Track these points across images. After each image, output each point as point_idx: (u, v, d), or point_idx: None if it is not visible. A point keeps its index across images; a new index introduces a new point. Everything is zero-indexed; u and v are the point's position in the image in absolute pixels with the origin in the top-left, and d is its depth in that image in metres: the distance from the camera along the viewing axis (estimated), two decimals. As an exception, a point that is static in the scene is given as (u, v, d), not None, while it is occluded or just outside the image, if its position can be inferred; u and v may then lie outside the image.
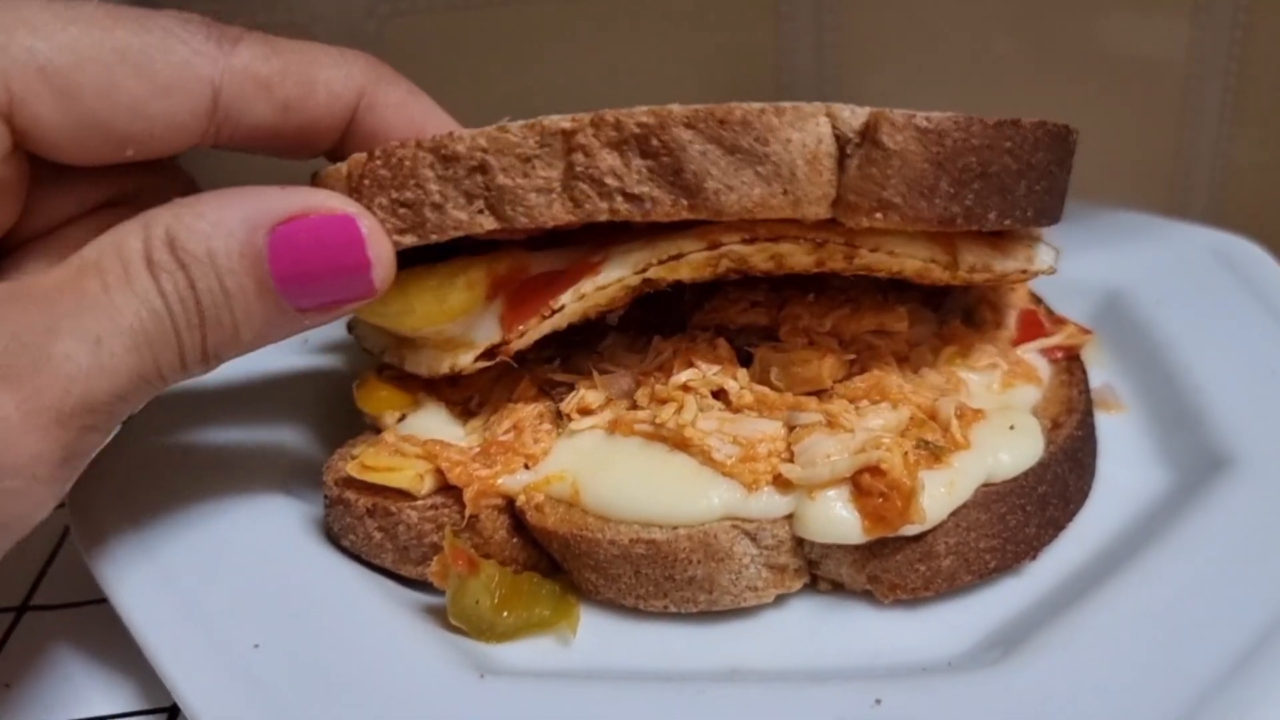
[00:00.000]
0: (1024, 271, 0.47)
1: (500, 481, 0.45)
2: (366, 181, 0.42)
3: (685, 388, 0.46)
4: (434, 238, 0.42)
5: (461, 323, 0.46)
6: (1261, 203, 0.83)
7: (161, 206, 0.38)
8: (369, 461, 0.46)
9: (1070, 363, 0.53)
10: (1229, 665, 0.37)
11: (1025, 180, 0.43)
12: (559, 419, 0.47)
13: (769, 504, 0.43)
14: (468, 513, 0.45)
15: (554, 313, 0.45)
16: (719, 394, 0.46)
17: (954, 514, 0.43)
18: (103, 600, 0.44)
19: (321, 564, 0.46)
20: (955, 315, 0.53)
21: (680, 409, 0.45)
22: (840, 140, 0.40)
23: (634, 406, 0.47)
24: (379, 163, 0.42)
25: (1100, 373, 0.56)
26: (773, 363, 0.47)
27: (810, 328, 0.48)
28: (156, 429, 0.53)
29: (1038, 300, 0.56)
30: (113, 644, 0.44)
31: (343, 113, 0.43)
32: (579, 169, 0.41)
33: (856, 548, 0.43)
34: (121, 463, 0.51)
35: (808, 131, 0.40)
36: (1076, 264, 0.53)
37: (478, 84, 0.80)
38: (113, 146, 0.39)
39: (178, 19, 0.39)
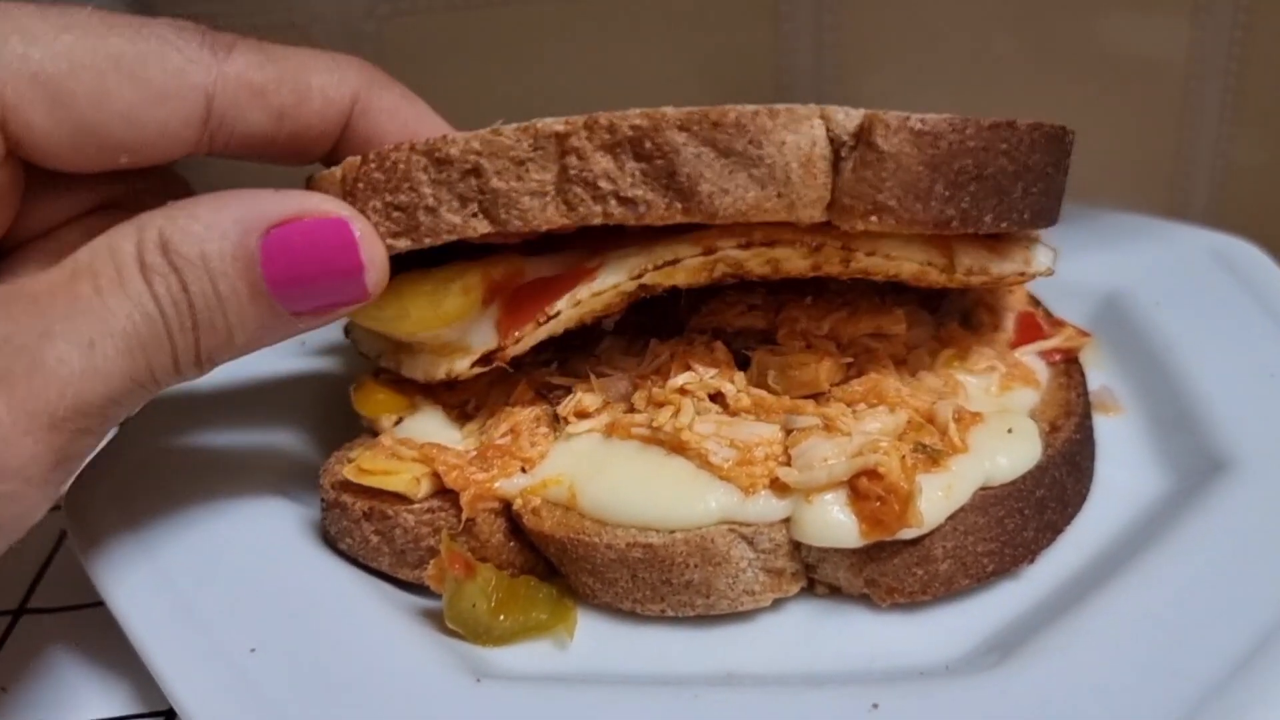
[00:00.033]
0: (1021, 274, 0.46)
1: (497, 485, 0.45)
2: (360, 185, 0.42)
3: (682, 391, 0.46)
4: (428, 241, 0.42)
5: (457, 328, 0.46)
6: (1261, 203, 0.82)
7: (155, 209, 0.38)
8: (366, 465, 0.46)
9: (1068, 365, 0.53)
10: (1228, 668, 0.37)
11: (1022, 182, 0.42)
12: (556, 422, 0.47)
13: (766, 508, 0.43)
14: (464, 516, 0.45)
15: (550, 319, 0.45)
16: (716, 397, 0.46)
17: (951, 518, 0.43)
18: (100, 603, 0.44)
19: (318, 567, 0.46)
20: (953, 318, 0.53)
21: (677, 412, 0.45)
22: (835, 143, 0.40)
23: (631, 410, 0.47)
24: (373, 166, 0.42)
25: (1099, 374, 0.56)
26: (770, 366, 0.47)
27: (808, 331, 0.48)
28: (154, 431, 0.53)
29: (1036, 302, 0.56)
30: (110, 647, 0.45)
31: (337, 118, 0.43)
32: (573, 172, 0.41)
33: (854, 551, 0.43)
34: (118, 466, 0.51)
35: (802, 134, 0.40)
36: (1075, 266, 0.53)
37: (477, 84, 0.80)
38: (106, 154, 0.39)
39: (172, 26, 0.39)
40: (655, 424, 0.45)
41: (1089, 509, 0.48)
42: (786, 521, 0.43)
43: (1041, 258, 0.47)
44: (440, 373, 0.47)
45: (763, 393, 0.46)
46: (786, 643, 0.44)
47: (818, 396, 0.46)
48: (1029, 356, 0.52)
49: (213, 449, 0.53)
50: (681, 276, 0.44)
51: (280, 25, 0.77)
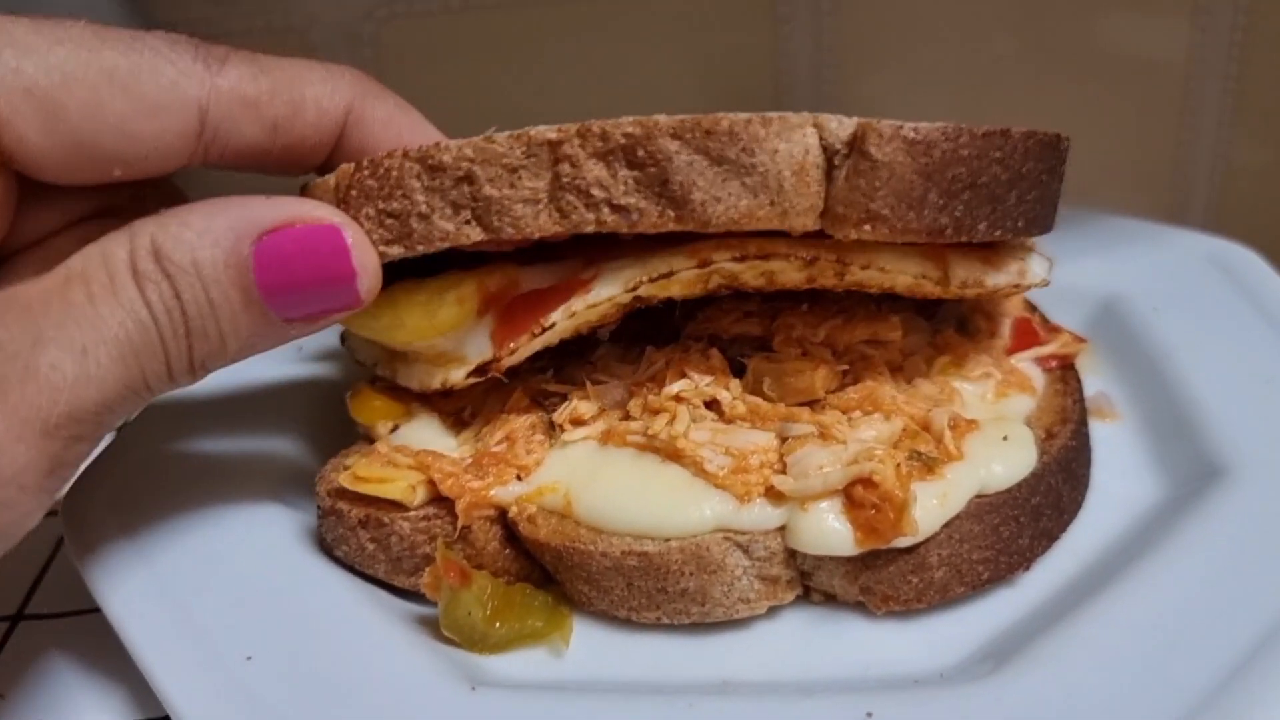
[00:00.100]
0: (1016, 285, 0.46)
1: (493, 493, 0.45)
2: (354, 192, 0.42)
3: (678, 398, 0.46)
4: (421, 248, 0.42)
5: (452, 337, 0.46)
6: (1261, 204, 0.82)
7: (148, 217, 0.38)
8: (361, 472, 0.46)
9: (1065, 372, 0.52)
10: (1222, 676, 0.37)
11: (1016, 190, 0.42)
12: (552, 430, 0.47)
13: (761, 516, 0.43)
14: (460, 524, 0.45)
15: (545, 330, 0.45)
16: (712, 404, 0.46)
17: (947, 525, 0.43)
18: (97, 610, 0.44)
19: (315, 574, 0.46)
20: (949, 324, 0.53)
21: (673, 420, 0.45)
22: (828, 151, 0.40)
23: (627, 417, 0.47)
24: (366, 173, 0.42)
25: (1095, 380, 0.56)
26: (765, 373, 0.47)
27: (803, 338, 0.48)
28: (150, 438, 0.54)
29: (1032, 308, 0.56)
30: (107, 654, 0.45)
31: (331, 129, 0.43)
32: (565, 180, 0.41)
33: (849, 559, 0.43)
34: (115, 472, 0.51)
35: (795, 142, 0.40)
36: (1072, 271, 0.53)
37: (475, 87, 0.80)
38: (100, 167, 0.39)
39: (166, 40, 0.39)
40: (650, 432, 0.45)
41: (1085, 516, 0.48)
42: (782, 529, 0.43)
43: (1037, 268, 0.47)
44: (436, 382, 0.47)
45: (758, 400, 0.46)
46: (782, 650, 0.44)
47: (813, 404, 0.46)
48: (1025, 363, 0.52)
49: (209, 455, 0.53)
50: (676, 289, 0.44)
51: (278, 28, 0.77)
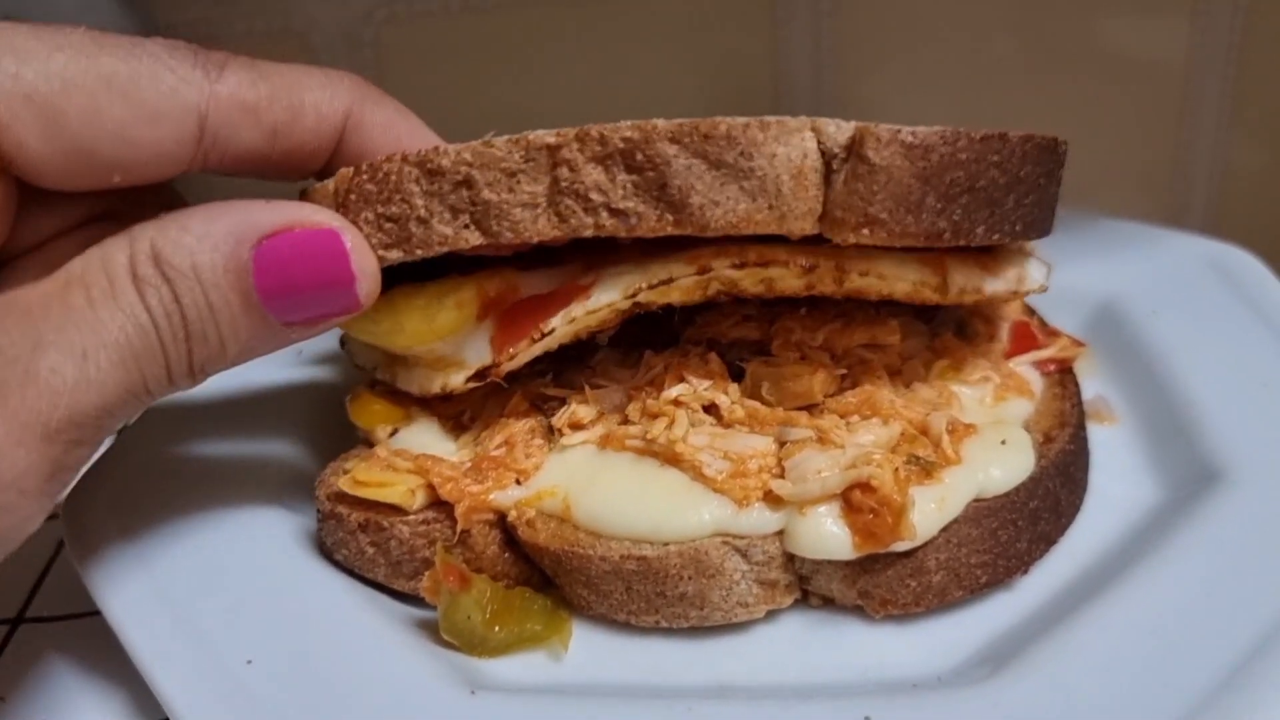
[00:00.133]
0: (1015, 292, 0.46)
1: (492, 497, 0.45)
2: (353, 196, 0.42)
3: (676, 402, 0.46)
4: (419, 253, 0.42)
5: (452, 342, 0.46)
6: (1260, 204, 0.82)
7: (147, 221, 0.38)
8: (361, 476, 0.46)
9: (1063, 375, 0.52)
10: (1220, 679, 0.37)
11: (1014, 194, 0.42)
12: (551, 434, 0.47)
13: (759, 520, 0.43)
14: (459, 528, 0.45)
15: (544, 336, 0.45)
16: (710, 409, 0.46)
17: (945, 529, 0.43)
18: (97, 613, 0.44)
19: (315, 578, 0.46)
20: (948, 328, 0.53)
21: (671, 424, 0.45)
22: (826, 155, 0.40)
23: (625, 421, 0.47)
24: (365, 177, 0.42)
25: (1093, 383, 0.56)
26: (764, 377, 0.47)
27: (802, 341, 0.48)
28: (151, 441, 0.54)
29: (1031, 312, 0.56)
30: (107, 657, 0.45)
31: (330, 134, 0.43)
32: (564, 184, 0.41)
33: (847, 563, 0.43)
34: (116, 476, 0.51)
35: (793, 146, 0.40)
36: (1070, 274, 0.53)
37: (475, 89, 0.80)
38: (99, 173, 0.39)
39: (165, 46, 0.39)
40: (649, 436, 0.45)
41: (1083, 520, 0.48)
42: (780, 534, 0.43)
43: (1035, 274, 0.47)
44: (435, 387, 0.47)
45: (756, 404, 0.46)
46: (780, 654, 0.44)
47: (811, 408, 0.46)
48: (1023, 367, 0.52)
49: (209, 459, 0.53)
50: (676, 295, 0.44)
51: (278, 30, 0.77)
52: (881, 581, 0.43)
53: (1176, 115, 0.80)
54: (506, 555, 0.46)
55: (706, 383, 0.47)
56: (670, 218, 0.41)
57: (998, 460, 0.45)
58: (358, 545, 0.46)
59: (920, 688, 0.40)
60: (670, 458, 0.44)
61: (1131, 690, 0.37)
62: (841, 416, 0.45)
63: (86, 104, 0.37)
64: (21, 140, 0.37)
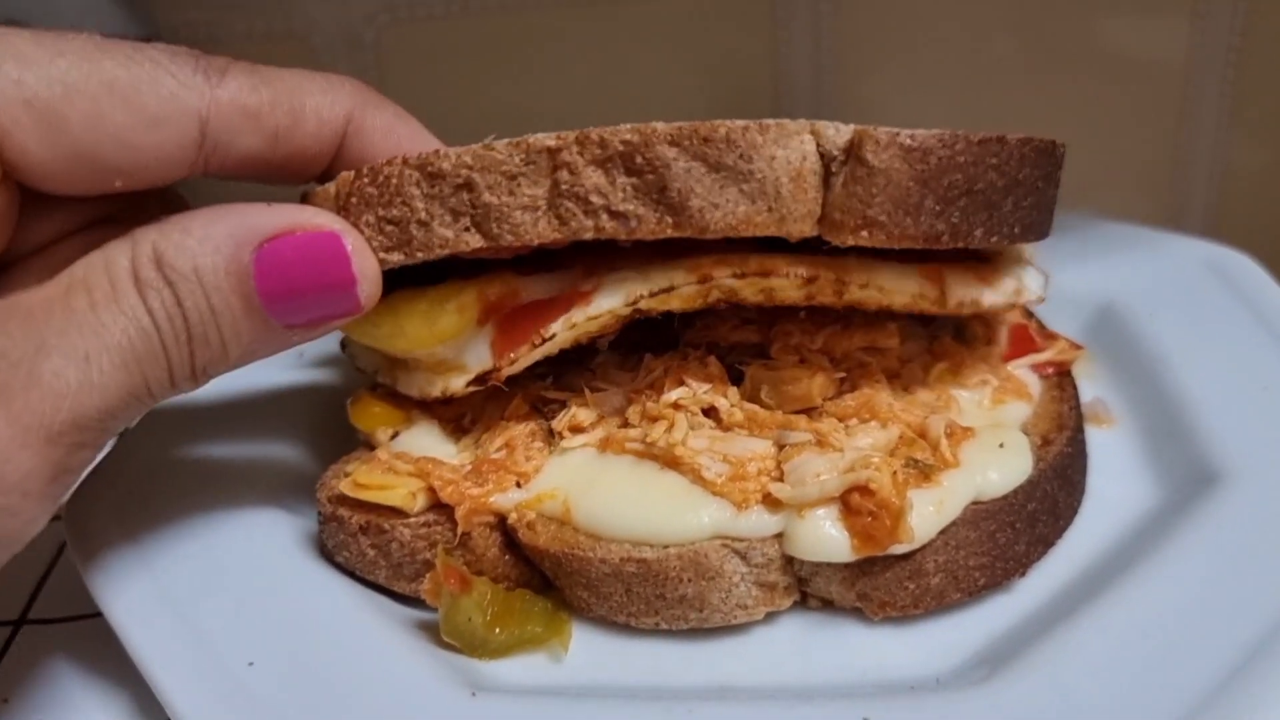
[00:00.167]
0: (1012, 305, 0.47)
1: (492, 500, 0.46)
2: (354, 199, 0.43)
3: (676, 406, 0.46)
4: (420, 255, 0.43)
5: (452, 346, 0.46)
6: (1260, 205, 0.82)
7: (149, 224, 0.38)
8: (362, 479, 0.46)
9: (1061, 378, 0.53)
10: (1218, 681, 0.37)
11: (1012, 196, 0.42)
12: (551, 437, 0.48)
13: (759, 523, 0.43)
14: (460, 530, 0.45)
15: (545, 341, 0.45)
16: (710, 412, 0.46)
17: (943, 532, 0.43)
18: (99, 615, 0.44)
19: (316, 580, 0.46)
20: (946, 331, 0.53)
21: (671, 427, 0.45)
22: (825, 158, 0.41)
23: (625, 424, 0.47)
24: (366, 180, 0.42)
25: (1092, 386, 0.56)
26: (763, 381, 0.47)
27: (801, 345, 0.48)
28: (153, 444, 0.54)
29: (1029, 315, 0.56)
30: (109, 659, 0.45)
31: (331, 139, 0.43)
32: (564, 187, 0.41)
33: (846, 566, 0.43)
34: (118, 478, 0.51)
35: (792, 149, 0.40)
36: (1069, 277, 0.53)
37: (476, 91, 0.80)
38: (101, 178, 0.39)
39: (166, 52, 0.39)
40: (649, 439, 0.45)
41: (1081, 522, 0.48)
42: (779, 536, 0.43)
43: (1032, 285, 0.48)
44: (436, 390, 0.47)
45: (756, 408, 0.46)
46: (779, 656, 0.44)
47: (810, 411, 0.46)
48: (1022, 370, 0.52)
49: (211, 461, 0.53)
50: (677, 303, 0.45)
51: (279, 33, 0.77)
52: (880, 584, 0.43)
53: (1176, 115, 0.80)
54: (507, 557, 0.47)
55: (706, 386, 0.47)
56: (670, 220, 0.41)
57: (996, 463, 0.45)
58: (359, 547, 0.47)
59: (918, 689, 0.40)
60: (670, 461, 0.44)
61: (1129, 691, 0.37)
62: (840, 420, 0.45)
63: (88, 110, 0.37)
64: (24, 146, 0.37)
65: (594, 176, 0.41)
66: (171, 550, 0.46)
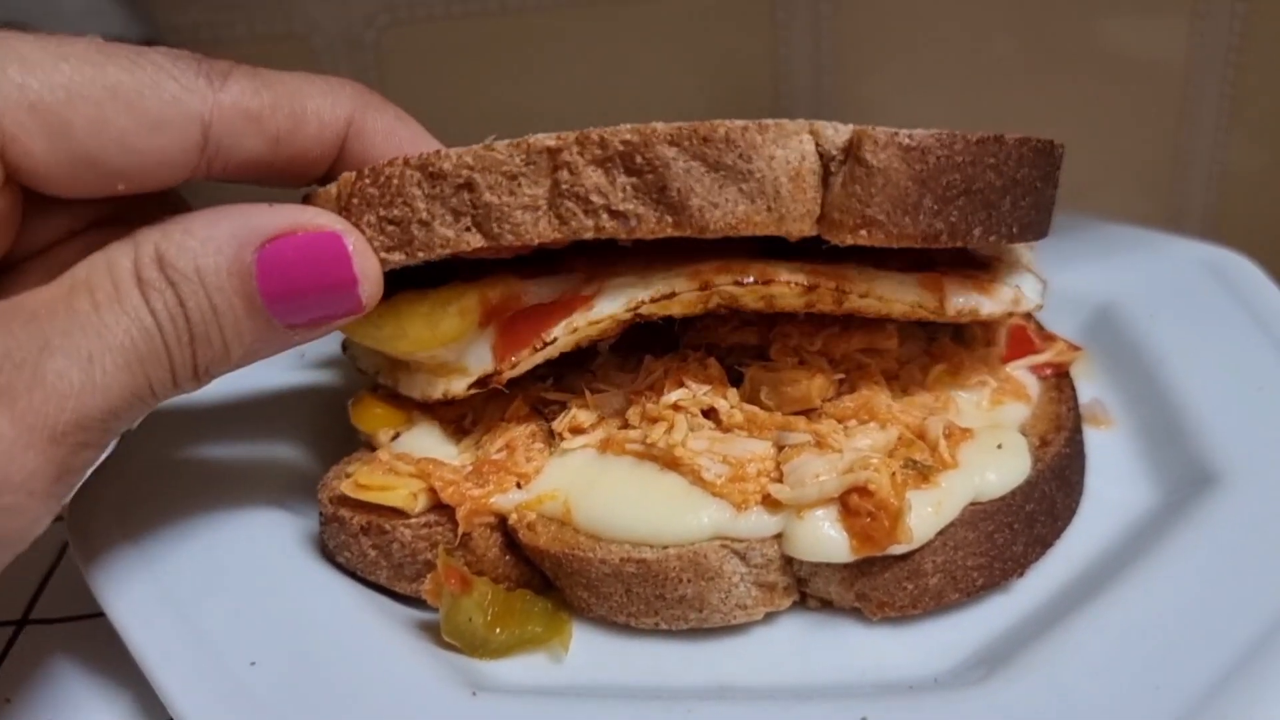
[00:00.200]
0: (1010, 313, 0.47)
1: (493, 500, 0.46)
2: (355, 200, 0.43)
3: (676, 407, 0.46)
4: (421, 255, 0.43)
5: (454, 348, 0.47)
6: (1259, 205, 0.82)
7: (151, 225, 0.38)
8: (363, 480, 0.46)
9: (1059, 379, 0.53)
10: (1215, 681, 0.37)
11: (1010, 196, 0.43)
12: (551, 438, 0.48)
13: (758, 524, 0.43)
14: (460, 531, 0.45)
15: (546, 345, 0.45)
16: (709, 413, 0.46)
17: (942, 533, 0.43)
18: (102, 615, 0.44)
19: (317, 580, 0.46)
20: (945, 333, 0.53)
21: (671, 428, 0.45)
22: (824, 158, 0.41)
23: (625, 425, 0.47)
24: (367, 181, 0.43)
25: (1090, 387, 0.56)
26: (762, 382, 0.47)
27: (800, 347, 0.48)
28: (155, 444, 0.54)
29: (1028, 316, 0.56)
30: (111, 659, 0.45)
31: (332, 141, 0.43)
32: (564, 186, 0.41)
33: (845, 566, 0.43)
34: (120, 478, 0.51)
35: (791, 149, 0.40)
36: (1067, 278, 0.53)
37: (476, 92, 0.80)
38: (104, 181, 0.39)
39: (168, 56, 0.40)
40: (649, 440, 0.45)
41: (1079, 523, 0.49)
42: (778, 537, 0.43)
43: (1030, 293, 0.48)
44: (437, 393, 0.48)
45: (755, 409, 0.46)
46: (778, 656, 0.44)
47: (810, 412, 0.46)
48: (1020, 371, 0.52)
49: (213, 462, 0.53)
50: (677, 309, 0.45)
51: (279, 34, 0.77)
52: (879, 584, 0.43)
53: (1176, 116, 0.81)
54: (507, 558, 0.47)
55: (705, 387, 0.47)
56: (670, 219, 0.41)
57: (994, 464, 0.45)
58: (360, 548, 0.47)
59: (917, 689, 0.40)
60: (670, 462, 0.45)
61: (1127, 692, 0.37)
62: (839, 421, 0.45)
63: (92, 114, 0.37)
64: (27, 149, 0.37)
65: (594, 176, 0.41)
66: (173, 550, 0.46)
